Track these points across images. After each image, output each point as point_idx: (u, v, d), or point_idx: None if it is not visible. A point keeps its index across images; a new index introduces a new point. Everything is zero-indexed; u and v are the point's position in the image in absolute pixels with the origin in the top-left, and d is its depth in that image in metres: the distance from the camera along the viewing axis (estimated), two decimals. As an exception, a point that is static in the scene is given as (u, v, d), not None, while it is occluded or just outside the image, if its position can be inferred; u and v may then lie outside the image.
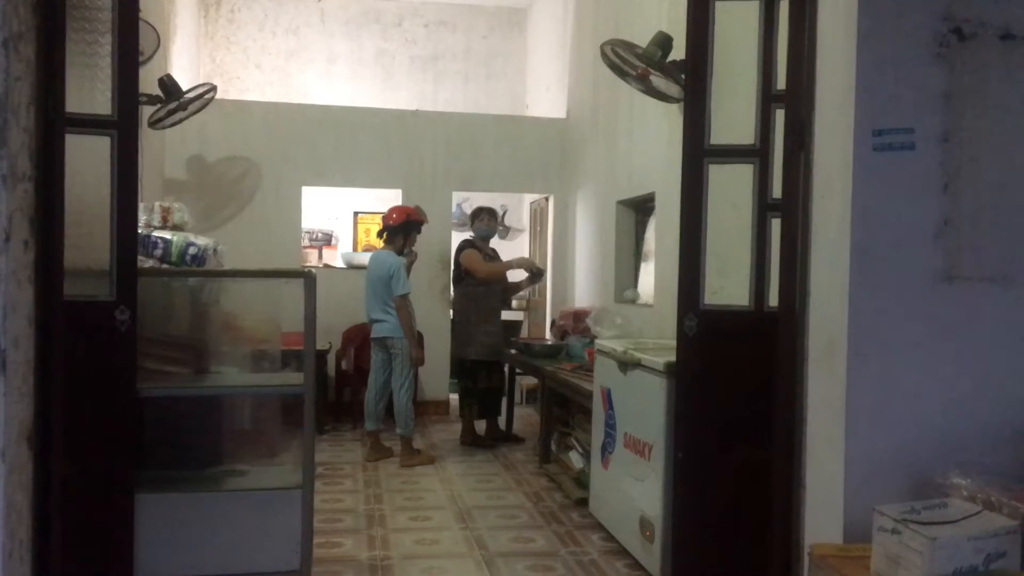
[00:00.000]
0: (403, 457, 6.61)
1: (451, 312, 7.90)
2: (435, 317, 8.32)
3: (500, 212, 8.40)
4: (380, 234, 6.94)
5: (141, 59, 4.42)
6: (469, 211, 7.70)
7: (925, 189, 2.70)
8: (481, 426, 7.44)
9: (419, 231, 6.91)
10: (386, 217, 6.86)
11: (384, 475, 6.29)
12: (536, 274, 7.33)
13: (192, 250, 3.96)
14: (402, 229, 6.74)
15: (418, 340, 6.88)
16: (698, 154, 3.36)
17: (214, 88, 6.64)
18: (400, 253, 6.71)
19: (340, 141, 8.37)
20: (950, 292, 2.72)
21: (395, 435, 6.75)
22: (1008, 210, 2.72)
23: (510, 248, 9.83)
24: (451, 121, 8.77)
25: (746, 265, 3.35)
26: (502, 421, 7.57)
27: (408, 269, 6.70)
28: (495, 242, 7.61)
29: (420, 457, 6.65)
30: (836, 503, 2.76)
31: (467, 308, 7.19)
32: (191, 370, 3.70)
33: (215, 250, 4.03)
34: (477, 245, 7.25)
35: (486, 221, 7.34)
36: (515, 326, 9.61)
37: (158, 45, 5.91)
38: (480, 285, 7.11)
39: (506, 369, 7.60)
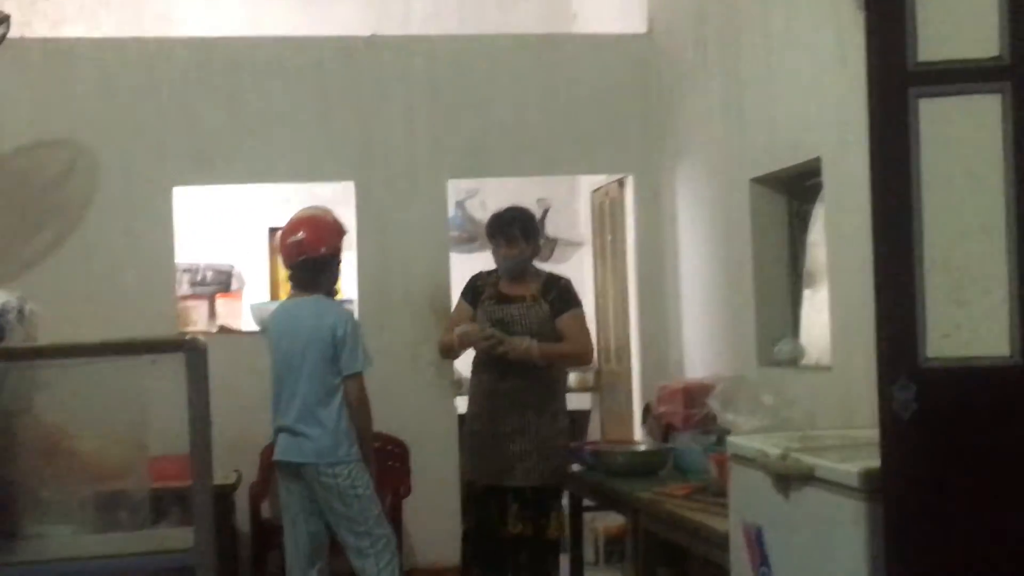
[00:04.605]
0: None
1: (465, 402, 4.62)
2: (430, 413, 5.30)
3: (539, 213, 5.45)
4: (295, 272, 4.20)
5: None
6: (479, 215, 5.58)
7: None
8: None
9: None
10: (301, 244, 4.09)
11: None
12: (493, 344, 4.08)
13: (-21, 313, 2.81)
14: (334, 259, 4.21)
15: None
16: (898, 81, 2.31)
17: (7, 19, 4.76)
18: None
19: (239, 103, 5.29)
20: None
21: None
22: None
23: (562, 271, 5.21)
24: (438, 51, 5.61)
25: (1002, 280, 2.22)
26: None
27: None
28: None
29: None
30: None
31: (502, 389, 4.08)
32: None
33: (20, 311, 2.82)
34: (492, 280, 4.27)
35: (503, 248, 4.14)
36: (575, 420, 5.89)
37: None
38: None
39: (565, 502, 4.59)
